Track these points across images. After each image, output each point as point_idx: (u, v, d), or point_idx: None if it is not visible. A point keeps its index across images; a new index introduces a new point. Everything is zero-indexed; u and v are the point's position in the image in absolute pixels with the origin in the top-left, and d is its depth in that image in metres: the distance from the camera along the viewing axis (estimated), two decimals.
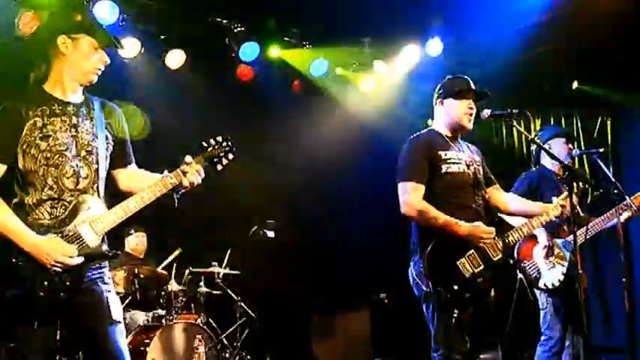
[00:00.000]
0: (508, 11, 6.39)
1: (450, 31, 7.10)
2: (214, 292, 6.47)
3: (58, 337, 2.85)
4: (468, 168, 3.88)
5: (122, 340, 2.95)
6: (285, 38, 7.18)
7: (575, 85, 7.59)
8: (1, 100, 2.94)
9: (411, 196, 3.76)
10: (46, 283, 2.76)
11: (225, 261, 6.44)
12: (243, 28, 6.88)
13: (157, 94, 6.87)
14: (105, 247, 2.94)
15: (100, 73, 3.06)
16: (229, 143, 3.17)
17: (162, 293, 6.22)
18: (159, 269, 6.37)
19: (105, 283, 2.98)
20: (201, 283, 6.42)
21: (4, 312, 2.79)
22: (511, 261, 3.91)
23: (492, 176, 4.15)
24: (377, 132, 7.89)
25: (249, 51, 6.89)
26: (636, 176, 6.68)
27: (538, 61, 7.22)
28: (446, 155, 3.84)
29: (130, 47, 6.30)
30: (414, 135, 4.03)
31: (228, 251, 6.45)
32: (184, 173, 3.02)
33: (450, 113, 3.95)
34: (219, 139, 3.16)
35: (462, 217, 3.74)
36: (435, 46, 7.20)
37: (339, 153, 7.81)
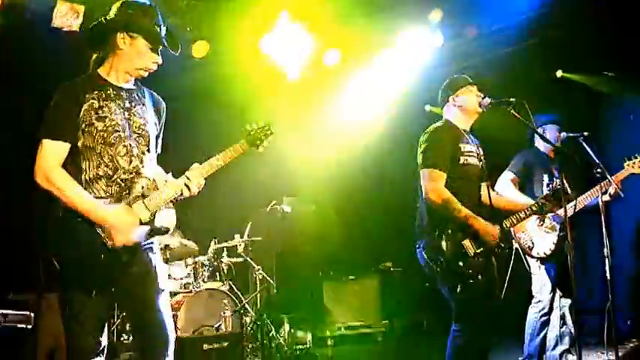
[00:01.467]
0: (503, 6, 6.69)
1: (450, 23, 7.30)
2: (236, 259, 6.64)
3: (113, 305, 3.06)
4: (479, 161, 4.08)
5: (167, 307, 3.02)
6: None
7: (559, 73, 7.84)
8: (63, 84, 2.98)
9: (436, 185, 3.91)
10: (103, 255, 2.84)
11: (246, 233, 6.57)
12: (260, 22, 6.97)
13: (183, 81, 7.15)
14: (156, 223, 3.00)
15: (152, 71, 3.10)
16: (269, 128, 3.25)
17: (190, 263, 6.48)
18: (187, 241, 6.56)
19: (154, 254, 3.06)
20: (224, 254, 6.62)
21: (65, 280, 2.88)
22: (502, 244, 3.98)
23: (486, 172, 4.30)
24: (389, 117, 8.13)
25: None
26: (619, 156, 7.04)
27: (529, 51, 7.43)
28: (465, 148, 4.04)
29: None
30: (438, 125, 4.18)
31: (249, 224, 6.60)
32: (187, 187, 3.05)
33: (464, 104, 4.14)
34: (262, 123, 3.24)
35: (468, 203, 3.93)
36: (437, 37, 7.39)
37: (355, 135, 7.98)
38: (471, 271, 3.85)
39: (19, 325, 4.73)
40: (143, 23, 3.03)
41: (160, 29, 3.08)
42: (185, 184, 3.05)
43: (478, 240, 3.90)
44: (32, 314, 4.64)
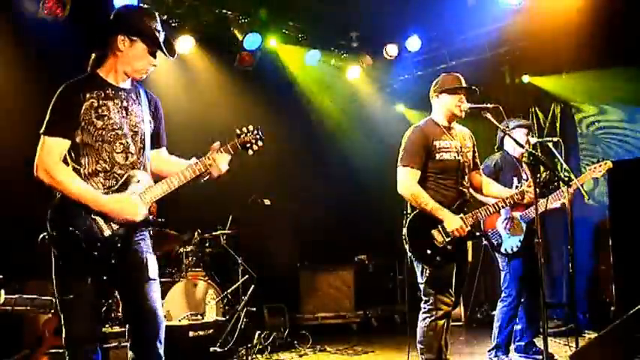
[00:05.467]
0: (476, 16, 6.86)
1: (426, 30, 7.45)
2: (219, 250, 6.64)
3: (107, 293, 3.09)
4: (458, 155, 4.21)
5: (157, 296, 3.04)
6: (283, 31, 7.41)
7: (526, 79, 8.02)
8: (65, 84, 3.00)
9: (408, 181, 4.11)
10: (99, 244, 2.88)
11: (228, 225, 6.56)
12: (247, 20, 7.08)
13: (167, 75, 7.08)
14: (152, 216, 3.08)
15: (148, 72, 3.14)
16: (260, 132, 3.28)
17: (174, 253, 6.44)
18: (170, 232, 6.47)
19: (146, 245, 3.08)
20: (207, 245, 6.61)
21: (62, 269, 2.90)
22: (477, 233, 4.20)
23: (478, 161, 4.50)
24: (362, 115, 8.20)
25: (252, 40, 7.10)
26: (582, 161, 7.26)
27: (500, 59, 7.67)
28: (440, 144, 4.18)
29: None
30: (416, 125, 4.32)
31: (230, 216, 6.59)
32: (210, 165, 3.14)
33: (445, 106, 4.27)
34: (251, 127, 3.26)
35: (446, 195, 4.12)
36: (414, 43, 7.55)
37: (330, 134, 8.12)
38: (438, 259, 4.03)
39: (42, 310, 4.70)
40: (143, 27, 3.06)
41: (159, 34, 3.11)
42: (210, 163, 3.14)
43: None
44: (54, 300, 4.61)
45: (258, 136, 3.28)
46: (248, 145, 3.26)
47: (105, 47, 3.09)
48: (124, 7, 3.19)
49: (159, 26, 3.12)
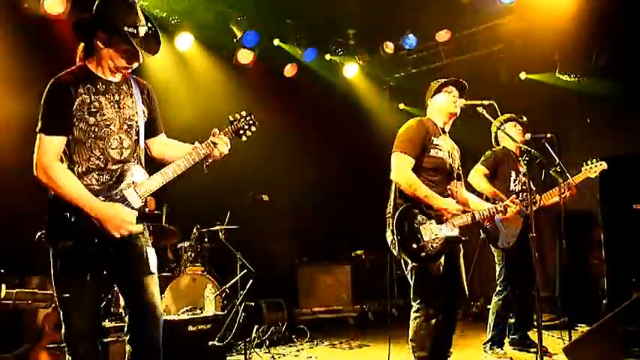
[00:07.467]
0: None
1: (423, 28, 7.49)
2: (217, 245, 6.67)
3: (107, 288, 3.00)
4: (449, 157, 4.19)
5: (156, 290, 3.02)
6: (281, 28, 7.46)
7: (523, 75, 8.07)
8: (54, 78, 2.93)
9: (403, 167, 4.01)
10: (96, 240, 2.85)
11: (226, 220, 6.59)
12: (245, 17, 7.12)
13: (167, 72, 7.09)
14: (147, 209, 3.02)
15: (131, 69, 3.05)
16: (252, 117, 3.27)
17: (173, 248, 6.48)
18: (168, 227, 6.43)
19: (145, 238, 3.06)
20: (206, 240, 6.65)
21: (61, 266, 2.88)
22: (463, 238, 4.10)
23: (461, 174, 4.45)
24: (359, 110, 8.21)
25: (250, 38, 7.16)
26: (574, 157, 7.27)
27: (495, 56, 7.70)
28: (436, 141, 4.13)
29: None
30: (418, 118, 4.28)
31: (229, 212, 6.63)
32: (214, 144, 3.12)
33: (438, 104, 4.28)
34: (244, 113, 3.26)
35: (436, 192, 4.01)
36: (411, 41, 7.59)
37: (327, 130, 8.14)
38: (423, 254, 3.91)
39: (42, 304, 4.72)
40: (120, 24, 2.92)
41: (137, 30, 2.95)
42: (213, 143, 3.12)
43: (437, 226, 3.98)
44: (54, 294, 4.63)
45: (251, 122, 3.28)
46: (241, 131, 3.26)
47: (90, 41, 3.01)
48: (102, 1, 3.01)
49: (139, 20, 2.98)
